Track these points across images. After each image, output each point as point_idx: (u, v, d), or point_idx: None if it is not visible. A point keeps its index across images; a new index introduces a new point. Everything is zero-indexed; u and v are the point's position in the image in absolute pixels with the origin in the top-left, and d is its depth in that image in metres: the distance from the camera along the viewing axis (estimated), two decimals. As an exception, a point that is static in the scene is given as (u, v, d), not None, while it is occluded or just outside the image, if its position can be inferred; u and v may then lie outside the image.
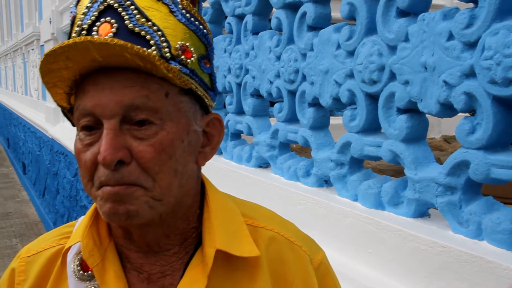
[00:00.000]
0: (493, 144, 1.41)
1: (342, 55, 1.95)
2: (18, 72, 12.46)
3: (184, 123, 0.85)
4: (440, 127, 4.72)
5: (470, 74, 1.41)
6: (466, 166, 1.46)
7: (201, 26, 0.89)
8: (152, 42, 0.80)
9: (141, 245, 0.92)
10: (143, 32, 0.80)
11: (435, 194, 1.57)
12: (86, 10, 0.83)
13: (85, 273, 0.93)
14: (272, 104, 2.70)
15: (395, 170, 3.00)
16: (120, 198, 0.80)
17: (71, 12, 0.88)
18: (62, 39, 6.91)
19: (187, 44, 0.85)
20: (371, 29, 1.82)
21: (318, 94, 2.09)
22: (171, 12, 0.84)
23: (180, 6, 0.86)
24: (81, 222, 0.97)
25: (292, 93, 2.33)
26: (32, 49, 9.83)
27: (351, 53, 1.91)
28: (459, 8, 1.48)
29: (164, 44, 0.81)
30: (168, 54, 0.81)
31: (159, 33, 0.81)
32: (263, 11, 2.60)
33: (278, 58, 2.39)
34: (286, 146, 2.49)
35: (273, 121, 2.61)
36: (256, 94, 2.65)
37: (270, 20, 2.52)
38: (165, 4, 0.84)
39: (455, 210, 1.52)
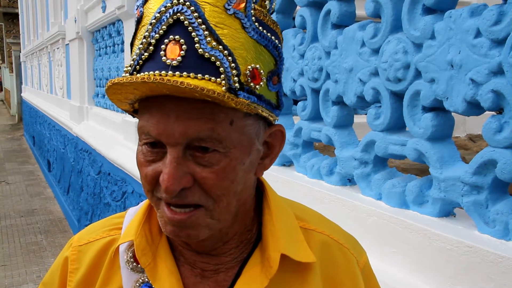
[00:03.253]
0: (521, 143, 1.39)
1: (366, 53, 1.94)
2: (44, 70, 12.63)
3: (247, 145, 0.85)
4: (465, 126, 4.66)
5: (498, 71, 1.39)
6: (493, 165, 1.44)
7: (273, 37, 0.86)
8: (221, 69, 0.78)
9: (198, 250, 0.95)
10: (213, 58, 0.78)
11: (460, 194, 1.55)
12: (154, 21, 0.81)
13: (139, 265, 0.96)
14: (295, 102, 2.70)
15: (419, 169, 2.97)
16: (181, 224, 0.83)
17: (138, 7, 0.87)
18: (87, 38, 6.98)
19: (257, 66, 0.83)
20: (396, 27, 1.81)
21: (342, 92, 2.08)
22: (243, 27, 0.82)
23: (253, 18, 0.83)
24: (134, 219, 1.00)
25: (316, 91, 2.32)
26: (58, 48, 9.94)
27: (376, 51, 1.89)
28: (487, 5, 1.46)
29: (234, 71, 0.79)
30: (237, 84, 0.79)
31: (230, 58, 0.79)
32: (287, 9, 2.60)
33: (302, 56, 2.39)
34: (309, 145, 2.48)
35: (296, 119, 2.60)
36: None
37: (294, 18, 2.51)
38: (238, 18, 0.81)
39: (482, 210, 1.50)
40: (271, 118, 0.89)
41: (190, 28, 0.78)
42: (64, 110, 9.19)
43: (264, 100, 0.85)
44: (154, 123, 0.80)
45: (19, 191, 10.74)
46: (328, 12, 2.17)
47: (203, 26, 0.78)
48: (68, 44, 8.40)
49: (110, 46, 6.04)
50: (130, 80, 0.75)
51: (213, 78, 0.77)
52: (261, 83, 0.84)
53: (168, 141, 0.79)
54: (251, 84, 0.82)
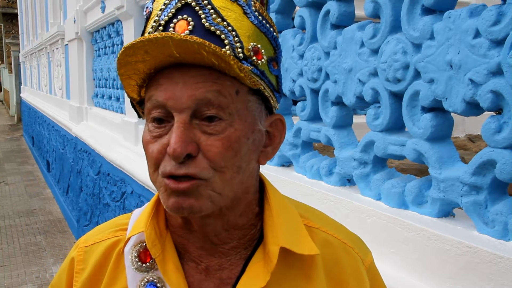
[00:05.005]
0: (520, 143, 1.39)
1: (366, 54, 1.94)
2: (43, 71, 12.63)
3: (251, 122, 0.88)
4: (464, 126, 4.67)
5: (497, 72, 1.39)
6: (492, 165, 1.44)
7: (271, 29, 0.91)
8: (226, 41, 0.83)
9: (200, 236, 0.95)
10: (218, 31, 0.83)
11: (460, 194, 1.55)
12: (163, 7, 0.86)
13: (143, 264, 0.97)
14: (294, 102, 2.70)
15: (418, 169, 2.97)
16: (184, 194, 0.84)
17: (147, 7, 0.91)
18: (87, 38, 6.98)
19: (259, 45, 0.87)
20: (395, 27, 1.81)
21: (342, 92, 2.08)
22: (245, 13, 0.87)
23: (253, 8, 0.89)
24: (143, 213, 1.01)
25: (315, 92, 2.32)
26: (57, 48, 9.94)
27: (375, 51, 1.89)
28: (486, 5, 1.46)
29: (238, 44, 0.84)
30: (241, 54, 0.84)
31: (233, 33, 0.84)
32: (286, 9, 2.60)
33: (301, 56, 2.39)
34: (308, 145, 2.48)
35: (295, 120, 2.60)
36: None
37: (293, 18, 2.51)
38: (240, 5, 0.87)
39: (481, 210, 1.50)
40: (272, 102, 0.92)
41: (197, 8, 0.83)
42: (63, 110, 9.19)
43: (266, 77, 0.89)
44: (162, 90, 0.83)
45: (18, 191, 10.74)
46: (327, 13, 2.17)
47: (209, 6, 0.83)
48: (67, 44, 8.40)
49: (109, 47, 6.04)
50: (142, 39, 0.78)
51: (218, 47, 0.79)
52: (263, 59, 0.88)
53: (175, 105, 0.82)
54: (254, 58, 0.86)
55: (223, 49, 0.80)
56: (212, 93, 0.81)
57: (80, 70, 7.25)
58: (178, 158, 0.81)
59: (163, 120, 0.85)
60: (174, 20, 0.84)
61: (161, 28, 0.85)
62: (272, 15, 2.62)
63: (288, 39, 2.48)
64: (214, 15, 0.83)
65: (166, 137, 0.84)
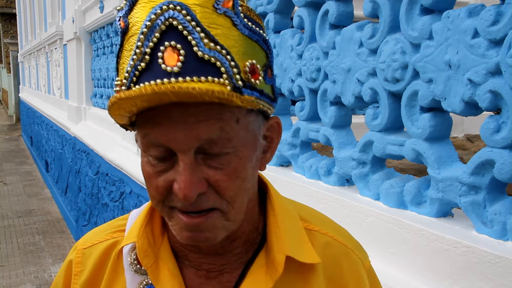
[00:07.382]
0: (519, 143, 1.39)
1: (364, 53, 1.93)
2: (42, 71, 12.61)
3: (252, 142, 0.85)
4: (463, 126, 4.67)
5: (496, 72, 1.39)
6: (491, 165, 1.45)
7: (261, 32, 0.85)
8: (222, 69, 0.76)
9: (206, 251, 0.95)
10: (212, 59, 0.76)
11: (458, 194, 1.55)
12: (145, 30, 0.77)
13: (142, 267, 0.96)
14: (293, 102, 2.70)
15: (417, 169, 2.97)
16: (199, 228, 0.82)
17: (121, 18, 0.83)
18: (85, 38, 6.97)
19: (254, 61, 0.81)
20: (394, 27, 1.80)
21: (340, 92, 2.08)
22: (234, 25, 0.80)
23: (241, 15, 0.82)
24: (136, 221, 1.00)
25: (314, 92, 2.32)
26: (55, 48, 9.93)
27: (373, 51, 1.89)
28: (484, 5, 1.46)
29: (235, 69, 0.77)
30: (240, 82, 0.78)
31: (228, 57, 0.77)
32: (285, 9, 2.60)
33: (300, 56, 2.39)
34: (307, 145, 2.48)
35: (294, 120, 2.60)
36: (278, 93, 2.64)
37: (292, 18, 2.51)
38: (228, 17, 0.79)
39: (479, 210, 1.50)
40: (269, 112, 0.89)
41: (185, 32, 0.75)
42: (62, 110, 9.18)
43: (264, 94, 0.85)
44: (162, 131, 0.78)
45: (16, 191, 10.72)
46: (326, 13, 2.17)
47: (198, 28, 0.76)
48: (66, 44, 8.38)
49: (108, 47, 6.04)
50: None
51: (216, 79, 0.75)
52: (260, 77, 0.83)
53: (178, 147, 0.78)
54: (251, 80, 0.81)
55: (221, 80, 0.75)
56: (215, 133, 0.77)
57: (79, 70, 7.24)
58: (190, 201, 0.78)
59: (164, 155, 0.81)
60: (161, 48, 0.75)
61: (147, 57, 0.76)
62: (271, 15, 2.62)
63: (287, 39, 2.48)
64: (205, 40, 0.76)
65: (170, 173, 0.81)
